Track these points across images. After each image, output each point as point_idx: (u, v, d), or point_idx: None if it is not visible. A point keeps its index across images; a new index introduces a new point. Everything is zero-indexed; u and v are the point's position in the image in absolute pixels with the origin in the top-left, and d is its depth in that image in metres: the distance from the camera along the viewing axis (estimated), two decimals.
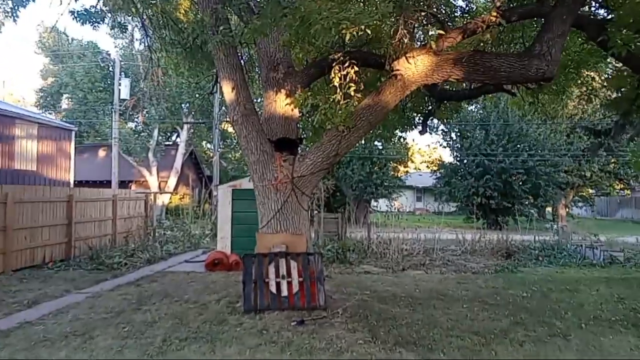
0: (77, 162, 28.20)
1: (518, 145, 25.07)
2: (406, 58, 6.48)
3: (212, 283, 8.68)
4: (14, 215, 9.89)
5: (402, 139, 27.32)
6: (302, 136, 8.11)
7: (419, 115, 11.34)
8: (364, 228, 18.48)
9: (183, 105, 27.90)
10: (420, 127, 11.64)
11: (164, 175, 27.58)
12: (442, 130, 29.67)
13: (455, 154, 28.51)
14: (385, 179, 27.17)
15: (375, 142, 27.12)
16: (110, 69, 26.11)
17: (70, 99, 28.53)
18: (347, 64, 6.09)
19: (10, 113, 15.31)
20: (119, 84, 23.22)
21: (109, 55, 27.61)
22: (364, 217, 27.84)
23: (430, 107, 10.64)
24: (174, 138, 34.26)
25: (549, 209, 36.10)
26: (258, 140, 6.56)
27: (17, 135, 14.95)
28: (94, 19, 8.84)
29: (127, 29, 9.83)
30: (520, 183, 25.01)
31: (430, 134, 27.50)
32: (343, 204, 27.29)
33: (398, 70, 6.47)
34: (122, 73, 24.08)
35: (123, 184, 25.89)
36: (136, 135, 26.78)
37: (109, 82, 26.98)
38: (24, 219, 10.28)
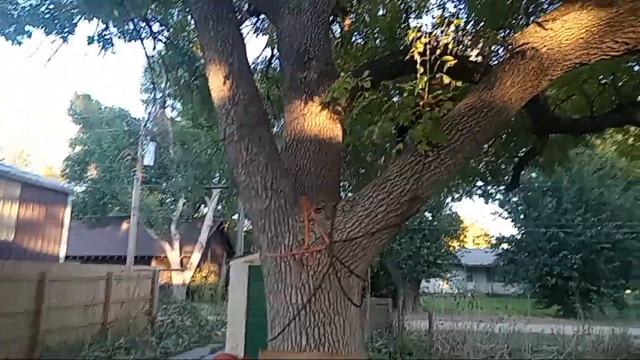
0: (96, 235, 26.16)
1: (599, 216, 21.00)
2: (539, 24, 3.56)
3: None
4: None
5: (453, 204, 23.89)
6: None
7: (505, 161, 8.21)
8: (415, 314, 14.87)
9: (213, 172, 25.75)
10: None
11: (187, 250, 24.86)
12: (499, 199, 25.99)
13: (519, 225, 24.54)
14: (438, 255, 23.35)
15: (425, 213, 23.81)
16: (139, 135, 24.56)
17: (96, 167, 27.00)
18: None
19: None
20: (143, 149, 21.41)
21: (138, 121, 26.29)
22: (414, 301, 23.83)
23: (524, 149, 7.50)
24: (204, 211, 32.01)
25: (627, 291, 30.90)
26: (269, 171, 3.57)
27: None
28: (62, 26, 6.51)
29: (111, 43, 7.45)
30: (605, 261, 20.68)
31: (486, 202, 23.87)
32: (387, 285, 23.51)
33: (527, 44, 3.51)
34: (148, 138, 22.36)
35: (142, 260, 23.32)
36: (159, 208, 24.53)
37: (137, 150, 25.39)
38: None
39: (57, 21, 6.38)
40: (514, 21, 5.23)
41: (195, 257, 24.40)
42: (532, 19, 5.04)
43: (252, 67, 8.99)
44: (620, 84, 6.99)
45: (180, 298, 21.98)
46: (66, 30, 6.70)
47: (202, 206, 30.64)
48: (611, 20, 3.21)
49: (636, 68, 6.53)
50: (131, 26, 10.33)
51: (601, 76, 6.94)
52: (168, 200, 28.43)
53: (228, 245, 29.76)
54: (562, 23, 3.38)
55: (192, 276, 24.27)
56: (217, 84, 3.73)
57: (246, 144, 3.60)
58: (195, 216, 29.18)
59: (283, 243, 3.52)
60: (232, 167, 3.87)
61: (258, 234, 3.71)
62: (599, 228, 20.63)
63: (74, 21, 6.67)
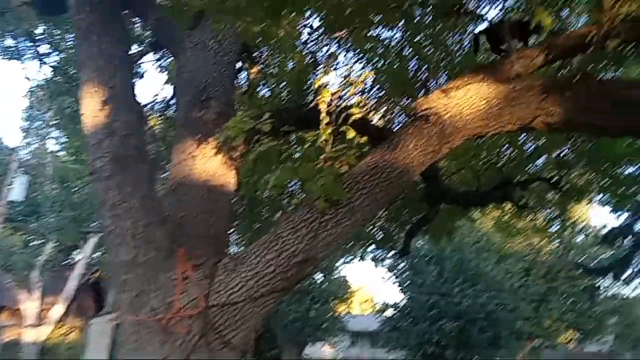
0: None
1: (475, 287, 22.33)
2: (443, 91, 3.58)
3: None
4: None
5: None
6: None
7: (397, 227, 8.30)
8: None
9: (93, 214, 23.35)
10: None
11: (50, 301, 21.69)
12: (388, 264, 26.63)
13: (405, 291, 25.18)
14: (326, 319, 22.99)
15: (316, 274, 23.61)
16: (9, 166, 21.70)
17: None
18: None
19: None
20: (10, 182, 18.92)
21: (11, 150, 23.34)
22: None
23: (418, 217, 7.65)
24: (79, 257, 28.61)
25: None
26: (141, 215, 3.02)
27: None
28: None
29: None
30: (479, 330, 21.81)
31: (376, 265, 24.60)
32: (271, 349, 22.50)
33: (430, 109, 3.48)
34: (21, 169, 19.90)
35: None
36: (22, 250, 21.50)
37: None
38: None
39: None
40: (415, 91, 5.39)
41: (58, 309, 21.31)
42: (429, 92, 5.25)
43: (150, 105, 8.35)
44: (501, 163, 7.53)
45: None
46: None
47: (78, 251, 27.46)
48: (509, 94, 3.30)
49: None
50: (12, 42, 9.23)
51: (485, 156, 7.43)
52: (35, 242, 25.09)
53: (99, 299, 26.65)
54: (465, 92, 3.42)
55: (51, 332, 21.09)
56: (92, 109, 3.15)
57: (117, 182, 3.03)
58: (65, 262, 25.94)
59: (148, 304, 2.92)
60: (99, 207, 3.24)
61: (119, 291, 3.07)
62: (475, 298, 21.87)
63: None
